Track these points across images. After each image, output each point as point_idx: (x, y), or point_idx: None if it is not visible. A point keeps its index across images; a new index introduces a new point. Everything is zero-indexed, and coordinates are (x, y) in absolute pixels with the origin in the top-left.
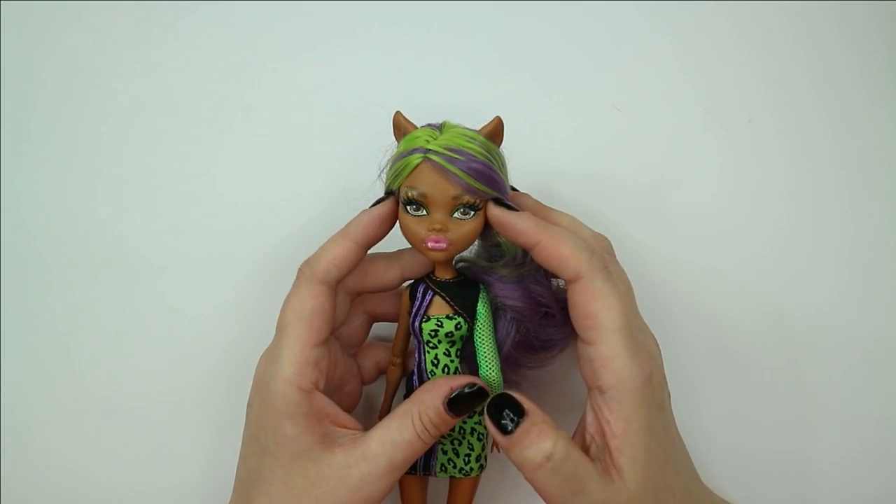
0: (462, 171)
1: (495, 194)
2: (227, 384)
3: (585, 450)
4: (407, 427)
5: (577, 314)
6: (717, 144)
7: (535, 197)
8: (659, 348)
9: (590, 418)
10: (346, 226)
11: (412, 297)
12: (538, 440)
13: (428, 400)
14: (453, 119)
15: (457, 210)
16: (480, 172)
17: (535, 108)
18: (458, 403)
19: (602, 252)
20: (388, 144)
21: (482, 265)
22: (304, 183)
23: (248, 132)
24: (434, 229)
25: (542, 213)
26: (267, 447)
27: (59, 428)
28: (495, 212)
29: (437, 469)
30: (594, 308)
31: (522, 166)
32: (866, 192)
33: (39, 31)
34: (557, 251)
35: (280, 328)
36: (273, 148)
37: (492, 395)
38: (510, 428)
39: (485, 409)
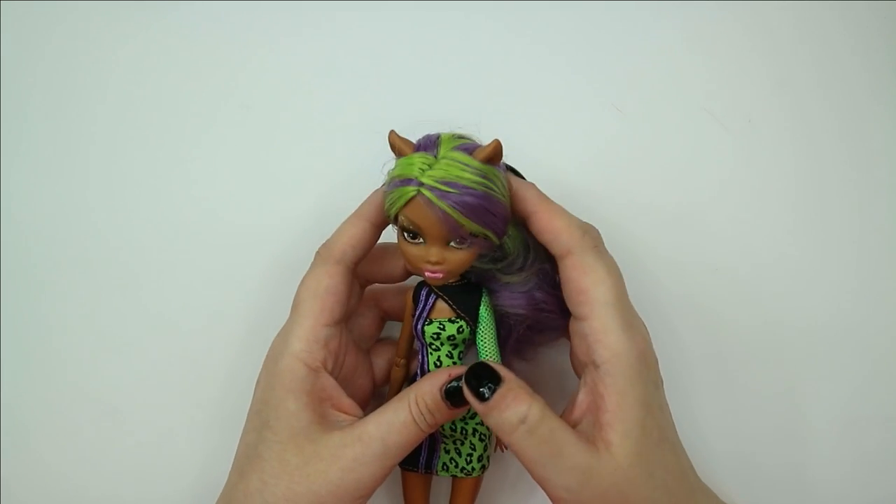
0: (455, 208)
1: (486, 231)
2: (226, 386)
3: (573, 426)
4: (403, 409)
5: (569, 290)
6: (718, 145)
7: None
8: (649, 335)
9: (581, 396)
10: (359, 207)
11: (415, 300)
12: (514, 403)
13: (426, 386)
14: (453, 120)
15: (453, 240)
16: (474, 207)
17: (535, 108)
18: (455, 395)
19: (594, 234)
20: (388, 148)
21: (485, 268)
22: (305, 186)
23: (248, 134)
24: (430, 262)
25: (547, 204)
26: (267, 421)
27: (58, 429)
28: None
29: (439, 468)
30: (585, 283)
31: (521, 166)
32: (870, 193)
33: (38, 30)
34: (551, 223)
35: (294, 306)
36: (274, 150)
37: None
38: (487, 395)
39: (463, 378)
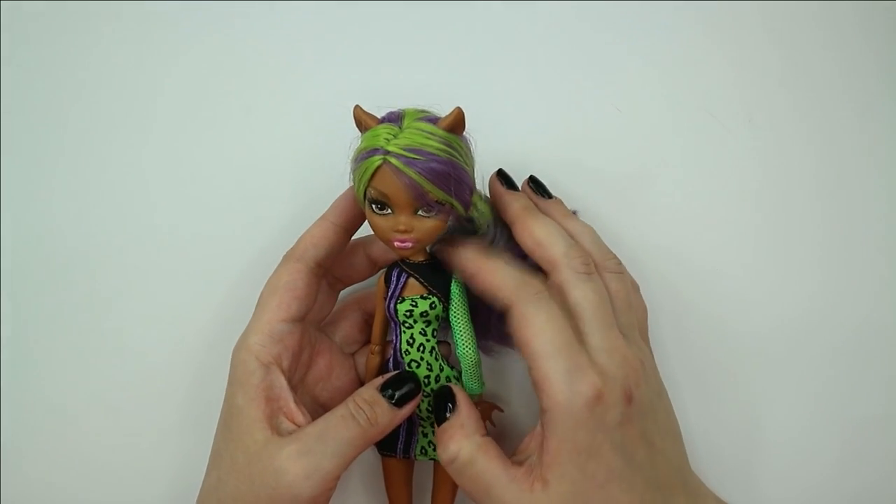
0: (421, 174)
1: (451, 199)
2: (222, 384)
3: (524, 455)
4: (341, 408)
5: (515, 340)
6: (718, 145)
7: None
8: (640, 363)
9: (538, 429)
10: (325, 211)
11: (387, 282)
12: (449, 442)
13: (364, 387)
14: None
15: (420, 208)
16: (440, 173)
17: (535, 108)
18: (389, 386)
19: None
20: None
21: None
22: (297, 183)
23: (247, 132)
24: (399, 230)
25: (526, 216)
26: (225, 419)
27: (58, 426)
28: (445, 247)
29: (418, 452)
30: (525, 335)
31: (521, 166)
32: (869, 192)
33: (36, 31)
34: (490, 282)
35: (257, 303)
36: (270, 149)
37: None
38: (445, 416)
39: (432, 397)
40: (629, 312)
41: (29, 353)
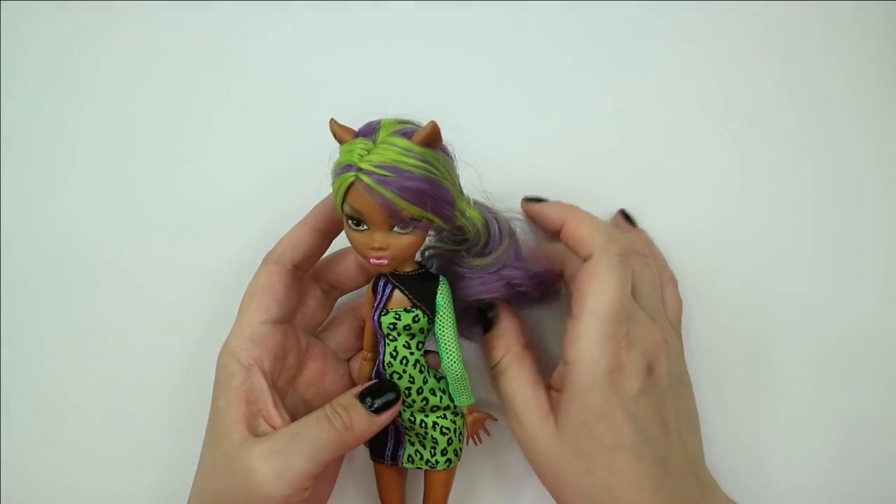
0: (393, 192)
1: (428, 215)
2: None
3: (557, 385)
4: (319, 411)
5: (575, 286)
6: (718, 144)
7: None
8: (663, 340)
9: (558, 372)
10: (306, 214)
11: (374, 292)
12: (492, 350)
13: (343, 394)
14: (449, 121)
15: (396, 225)
16: (413, 190)
17: (535, 109)
18: (367, 394)
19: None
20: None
21: (451, 249)
22: (289, 185)
23: (243, 132)
24: (374, 248)
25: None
26: (210, 422)
27: (57, 428)
28: (527, 208)
29: (405, 460)
30: (587, 288)
31: (521, 167)
32: (871, 192)
33: (33, 31)
34: (578, 231)
35: (238, 307)
36: (267, 152)
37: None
38: (489, 324)
39: (479, 308)
40: (653, 294)
41: (28, 356)
